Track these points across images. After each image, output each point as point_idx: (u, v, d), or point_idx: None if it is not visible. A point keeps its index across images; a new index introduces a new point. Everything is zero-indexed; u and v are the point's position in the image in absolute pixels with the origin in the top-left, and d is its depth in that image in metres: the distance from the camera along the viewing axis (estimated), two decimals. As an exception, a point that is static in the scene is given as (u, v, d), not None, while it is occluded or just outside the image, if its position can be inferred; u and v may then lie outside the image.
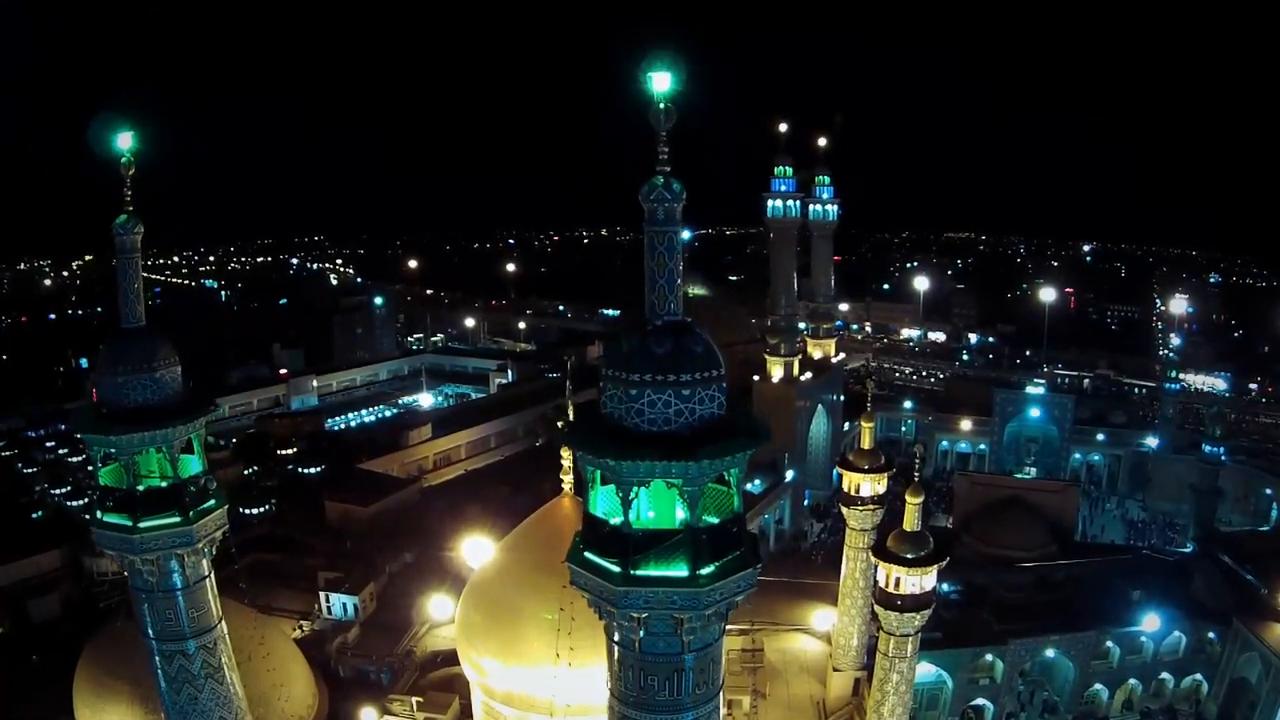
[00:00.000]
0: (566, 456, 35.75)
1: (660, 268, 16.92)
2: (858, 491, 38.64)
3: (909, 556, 31.63)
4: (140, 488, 22.35)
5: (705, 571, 16.56)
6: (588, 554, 17.27)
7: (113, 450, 22.16)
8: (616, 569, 16.64)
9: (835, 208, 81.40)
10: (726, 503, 17.41)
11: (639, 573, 16.52)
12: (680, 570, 16.51)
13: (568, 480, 34.27)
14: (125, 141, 23.10)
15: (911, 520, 32.18)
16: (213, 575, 23.78)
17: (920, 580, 31.89)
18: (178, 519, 22.37)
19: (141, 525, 21.98)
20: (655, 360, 16.34)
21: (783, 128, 75.22)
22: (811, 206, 79.67)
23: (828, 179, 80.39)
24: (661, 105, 17.16)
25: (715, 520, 17.42)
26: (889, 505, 39.93)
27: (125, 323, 23.26)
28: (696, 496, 16.25)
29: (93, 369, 24.62)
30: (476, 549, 46.53)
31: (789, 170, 76.19)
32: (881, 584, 32.63)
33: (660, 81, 17.20)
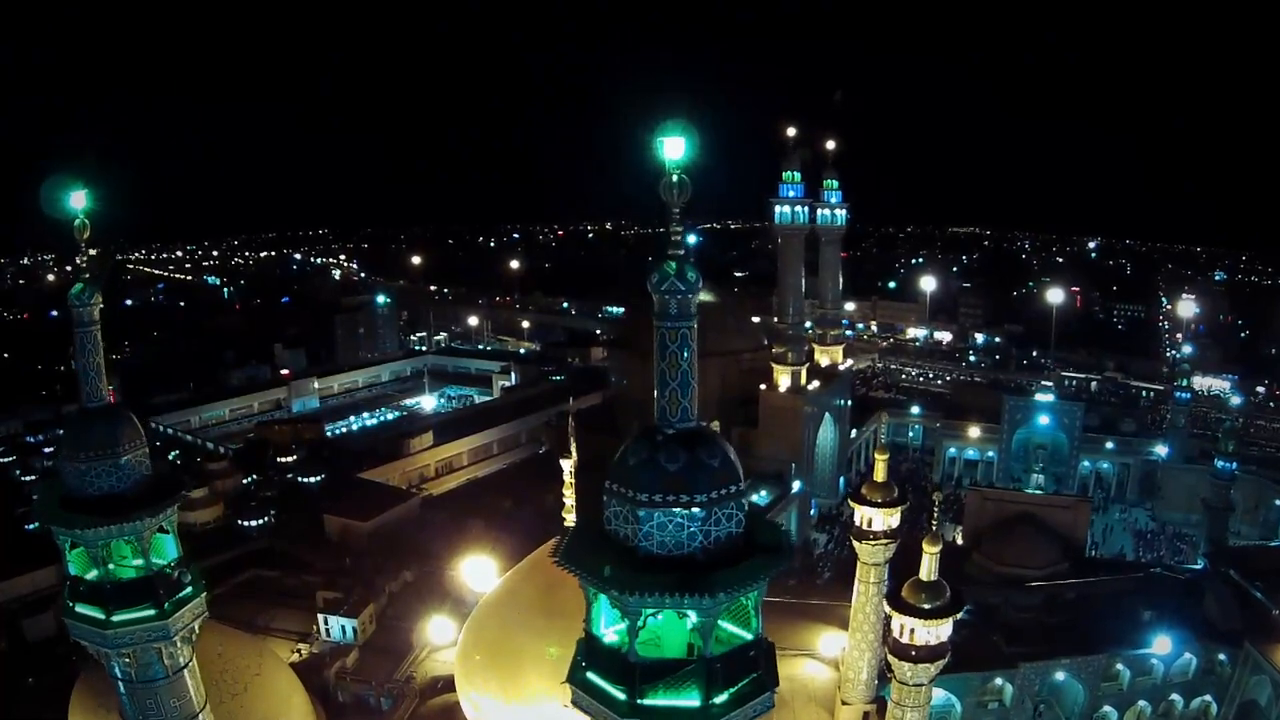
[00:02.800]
0: (568, 469, 34.80)
1: (672, 368, 15.09)
2: (870, 525, 37.46)
3: (925, 608, 30.47)
4: (112, 567, 20.88)
5: (719, 700, 15.17)
6: (590, 674, 15.84)
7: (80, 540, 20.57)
8: (622, 697, 15.25)
9: (844, 212, 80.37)
10: (744, 617, 15.91)
11: (646, 703, 15.13)
12: (692, 700, 15.14)
13: (569, 498, 33.80)
14: (79, 201, 20.77)
15: (929, 570, 30.96)
16: (195, 660, 22.46)
17: (936, 631, 30.79)
18: (153, 612, 20.88)
19: (114, 619, 20.55)
20: (666, 478, 14.69)
21: (790, 131, 73.90)
22: (819, 211, 78.38)
23: (835, 183, 79.21)
24: (675, 177, 15.04)
25: (731, 640, 15.92)
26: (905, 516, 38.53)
27: (87, 402, 21.50)
28: (711, 627, 14.86)
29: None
30: (477, 569, 46.00)
31: (797, 175, 74.79)
32: (895, 634, 31.47)
33: (673, 148, 15.01)
